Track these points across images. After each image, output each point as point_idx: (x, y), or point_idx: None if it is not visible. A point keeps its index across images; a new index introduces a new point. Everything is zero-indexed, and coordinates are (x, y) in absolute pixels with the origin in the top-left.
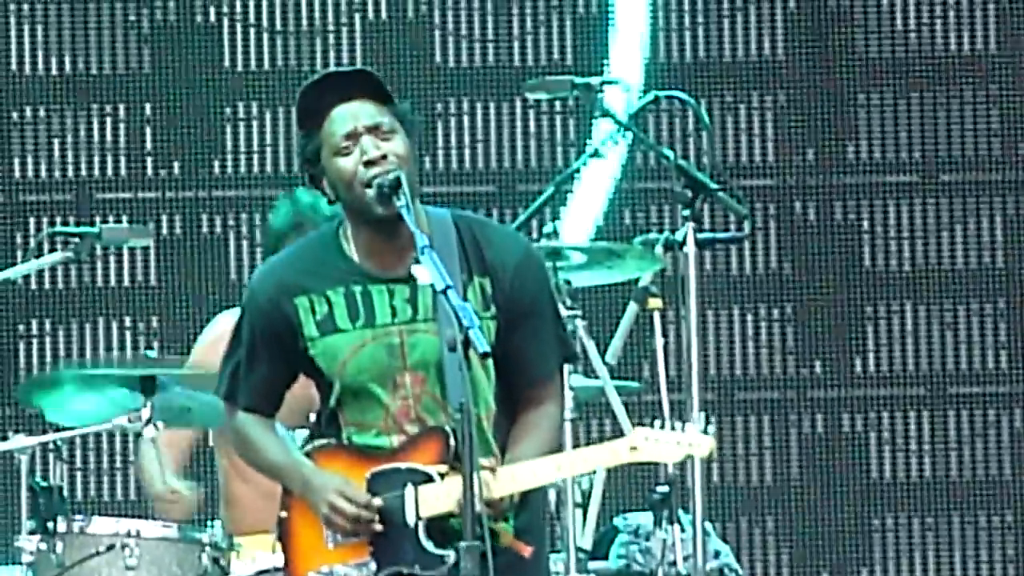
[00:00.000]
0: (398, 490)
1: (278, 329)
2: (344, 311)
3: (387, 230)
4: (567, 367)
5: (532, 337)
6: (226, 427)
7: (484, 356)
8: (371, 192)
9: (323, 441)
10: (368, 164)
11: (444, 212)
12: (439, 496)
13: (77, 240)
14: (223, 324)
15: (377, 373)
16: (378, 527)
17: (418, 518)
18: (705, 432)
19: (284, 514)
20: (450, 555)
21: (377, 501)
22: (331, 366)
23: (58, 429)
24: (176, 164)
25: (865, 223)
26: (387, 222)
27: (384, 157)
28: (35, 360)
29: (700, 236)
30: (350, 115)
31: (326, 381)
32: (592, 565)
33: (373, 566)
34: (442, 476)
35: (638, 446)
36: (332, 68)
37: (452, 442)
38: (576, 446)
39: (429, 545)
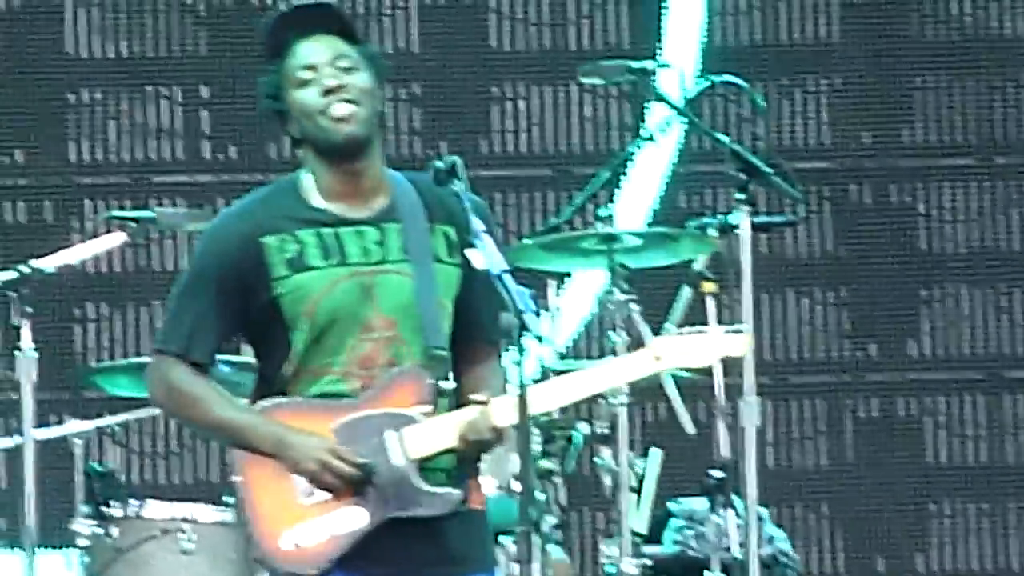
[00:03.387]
0: (374, 436)
1: (243, 270)
2: (316, 250)
3: (352, 171)
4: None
5: (491, 296)
6: (153, 379)
7: (540, 341)
8: (335, 113)
9: (274, 400)
10: (327, 92)
11: (393, 172)
12: (430, 436)
13: (134, 224)
14: None
15: (349, 312)
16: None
17: (408, 461)
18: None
19: (239, 478)
20: (454, 492)
21: (364, 461)
22: (299, 306)
23: (113, 413)
24: (232, 147)
25: (920, 206)
26: (348, 156)
27: (343, 87)
28: (92, 344)
29: (755, 220)
30: (312, 48)
31: (283, 327)
32: (646, 549)
33: (364, 516)
34: (424, 416)
35: (661, 354)
36: (300, 1)
37: (430, 382)
38: (631, 430)
39: (426, 485)
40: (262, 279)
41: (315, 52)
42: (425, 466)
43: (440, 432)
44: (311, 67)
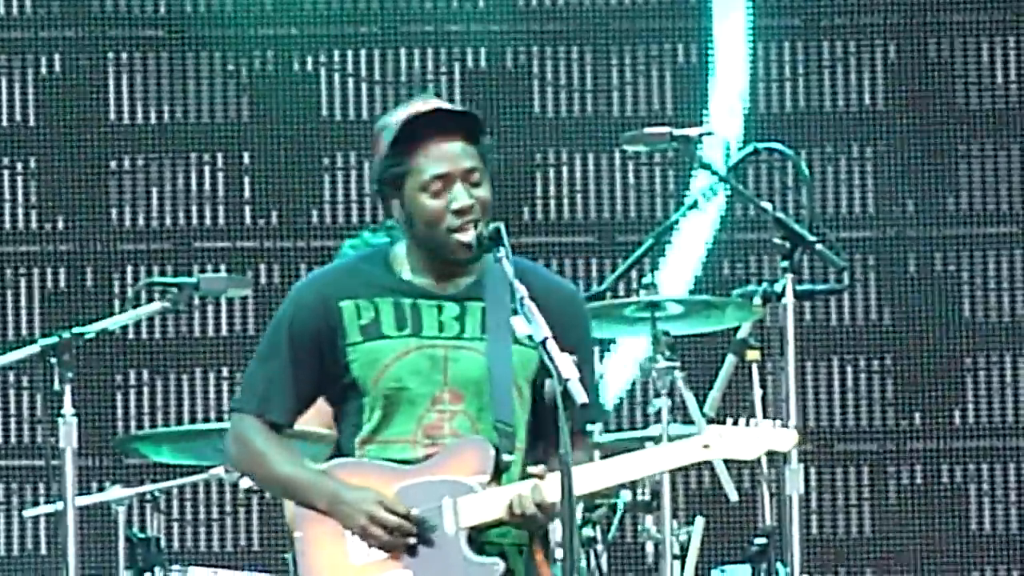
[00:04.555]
0: (433, 502)
1: (319, 331)
2: (391, 319)
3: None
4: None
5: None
6: (229, 435)
7: (583, 407)
8: (461, 238)
9: (341, 460)
10: (458, 213)
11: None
12: (483, 506)
13: (175, 290)
14: None
15: (418, 383)
16: (412, 540)
17: (458, 528)
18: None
19: (299, 534)
20: (499, 564)
21: (415, 510)
22: (369, 372)
23: (155, 480)
24: (274, 213)
25: (965, 274)
26: (457, 263)
27: (472, 208)
28: (132, 411)
29: (799, 288)
30: (447, 156)
31: (356, 394)
32: None
33: None
34: (483, 486)
35: (711, 443)
36: (439, 103)
37: (492, 453)
38: (675, 498)
39: (473, 555)
40: (336, 343)
41: (449, 161)
42: (484, 538)
43: (492, 503)
44: (443, 177)
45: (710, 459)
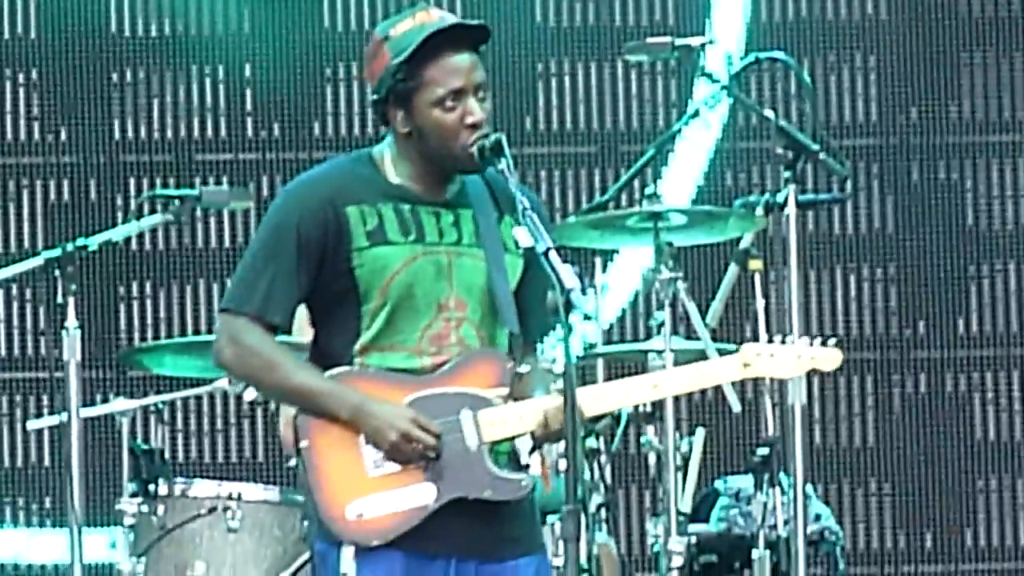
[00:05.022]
0: (451, 415)
1: (325, 235)
2: (395, 225)
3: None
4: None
5: (540, 296)
6: (222, 340)
7: (586, 319)
8: (472, 151)
9: (344, 369)
10: (472, 127)
11: None
12: (505, 420)
13: (177, 202)
14: None
15: (426, 290)
16: (434, 454)
17: (480, 443)
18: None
19: (305, 443)
20: (526, 479)
21: (438, 427)
22: (376, 279)
23: (159, 392)
24: (276, 125)
25: (968, 182)
26: (461, 171)
27: (483, 122)
28: (136, 323)
29: (801, 197)
30: (461, 70)
31: (353, 300)
32: (692, 528)
33: (432, 494)
34: (503, 400)
35: (751, 362)
36: (443, 15)
37: (510, 366)
38: (677, 409)
39: (498, 470)
40: (341, 247)
41: (463, 75)
42: (492, 449)
43: (520, 417)
44: (458, 92)
45: (751, 377)
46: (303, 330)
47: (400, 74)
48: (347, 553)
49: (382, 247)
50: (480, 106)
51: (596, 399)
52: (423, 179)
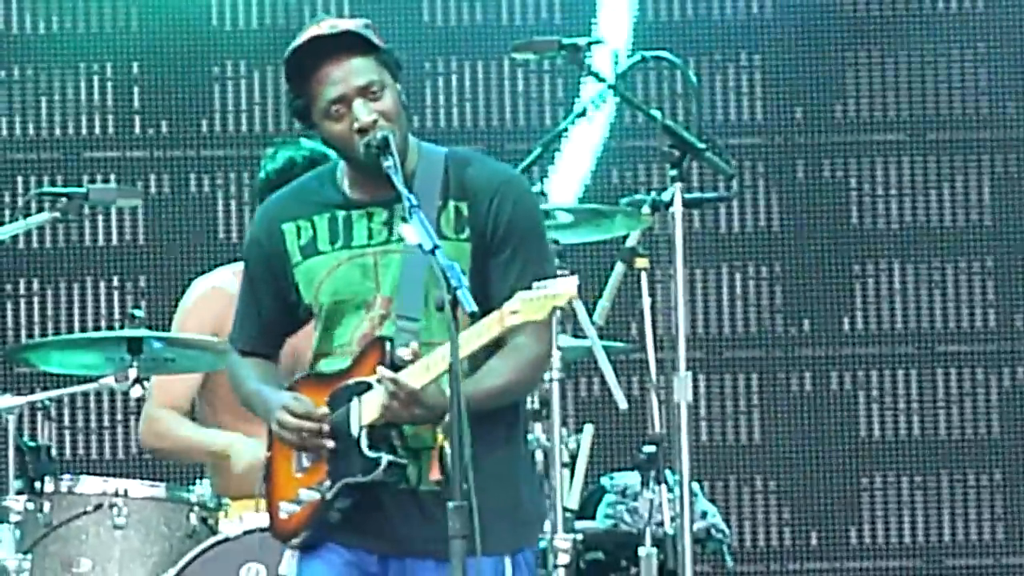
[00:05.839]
0: (344, 405)
1: (270, 258)
2: (326, 234)
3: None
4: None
5: (507, 264)
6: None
7: (472, 316)
8: (379, 157)
9: (300, 375)
10: (361, 132)
11: (441, 150)
12: (374, 403)
13: (65, 200)
14: (198, 290)
15: (350, 294)
16: (330, 443)
17: (361, 427)
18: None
19: (269, 453)
20: (382, 457)
21: (324, 411)
22: (308, 291)
23: (45, 388)
24: (164, 123)
25: (853, 181)
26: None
27: (375, 122)
28: (23, 320)
29: (687, 196)
30: (339, 78)
31: (310, 313)
32: (579, 525)
33: (328, 483)
34: (379, 383)
35: (518, 309)
36: (316, 30)
37: (388, 348)
38: (564, 406)
39: (368, 451)
40: (283, 266)
41: (342, 83)
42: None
43: (377, 401)
44: (340, 100)
45: (520, 322)
46: None
47: (292, 94)
48: (287, 555)
49: (312, 259)
50: (366, 108)
51: (423, 370)
52: (360, 182)
